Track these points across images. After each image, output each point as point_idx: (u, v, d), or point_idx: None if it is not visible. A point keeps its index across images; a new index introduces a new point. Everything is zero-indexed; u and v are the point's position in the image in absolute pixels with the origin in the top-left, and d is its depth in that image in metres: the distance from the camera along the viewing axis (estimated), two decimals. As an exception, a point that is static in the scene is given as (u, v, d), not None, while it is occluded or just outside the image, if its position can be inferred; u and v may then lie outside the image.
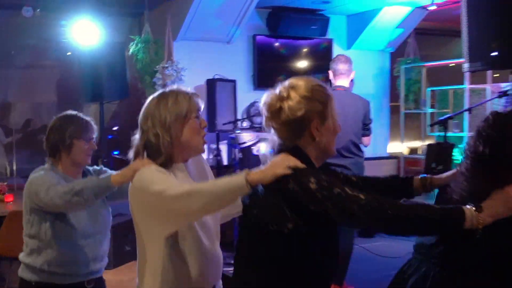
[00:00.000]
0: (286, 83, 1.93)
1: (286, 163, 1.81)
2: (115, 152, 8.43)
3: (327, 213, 1.76)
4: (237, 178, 1.81)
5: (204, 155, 7.17)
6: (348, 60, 4.61)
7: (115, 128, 8.83)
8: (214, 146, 6.64)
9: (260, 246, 1.90)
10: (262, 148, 5.21)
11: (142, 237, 2.11)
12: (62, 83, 8.80)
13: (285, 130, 1.91)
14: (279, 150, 1.93)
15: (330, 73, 4.64)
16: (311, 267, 1.89)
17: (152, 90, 6.30)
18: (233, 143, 5.86)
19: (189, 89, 2.21)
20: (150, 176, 2.01)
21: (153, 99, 2.16)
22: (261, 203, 1.89)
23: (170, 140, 2.07)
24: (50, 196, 2.47)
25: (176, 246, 2.05)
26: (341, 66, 4.54)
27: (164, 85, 6.15)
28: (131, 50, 6.31)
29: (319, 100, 1.89)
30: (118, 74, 6.28)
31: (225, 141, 6.68)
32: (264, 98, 1.96)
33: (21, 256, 2.75)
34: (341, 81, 4.57)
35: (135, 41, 6.29)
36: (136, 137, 2.17)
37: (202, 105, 2.22)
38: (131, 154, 2.18)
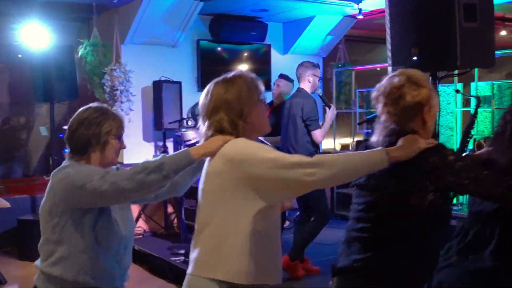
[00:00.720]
0: (399, 73, 2.07)
1: (421, 141, 1.91)
2: (66, 150, 8.23)
3: (459, 184, 1.89)
4: (376, 154, 1.86)
5: (151, 152, 7.09)
6: (300, 65, 4.94)
7: (65, 127, 8.62)
8: (161, 143, 6.57)
9: (394, 224, 1.95)
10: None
11: (224, 216, 1.91)
12: (13, 84, 8.50)
13: (402, 114, 2.01)
14: (392, 133, 2.01)
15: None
16: (436, 244, 2.03)
17: (100, 91, 6.19)
18: (179, 141, 5.81)
19: (252, 74, 2.07)
20: (253, 145, 1.91)
21: (219, 87, 2.00)
22: (394, 181, 1.94)
23: (245, 126, 1.96)
24: (111, 181, 1.96)
25: (263, 222, 1.92)
26: (297, 71, 4.92)
27: (112, 87, 6.04)
28: (80, 53, 6.17)
29: (429, 88, 2.04)
30: (67, 76, 6.13)
31: (171, 139, 6.62)
32: (380, 88, 2.09)
33: (44, 265, 2.18)
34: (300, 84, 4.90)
35: (84, 44, 6.16)
36: (200, 127, 2.02)
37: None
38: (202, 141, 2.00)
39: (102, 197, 2.01)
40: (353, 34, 8.50)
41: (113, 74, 6.01)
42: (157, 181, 1.95)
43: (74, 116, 2.24)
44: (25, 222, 6.13)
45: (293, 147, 4.73)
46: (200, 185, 2.01)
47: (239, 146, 1.91)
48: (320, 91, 5.00)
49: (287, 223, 6.87)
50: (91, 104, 2.27)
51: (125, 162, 6.44)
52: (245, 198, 1.89)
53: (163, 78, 6.29)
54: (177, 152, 2.00)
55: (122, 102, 6.04)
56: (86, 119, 2.19)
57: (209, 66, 7.01)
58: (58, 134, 8.27)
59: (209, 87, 2.04)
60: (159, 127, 6.25)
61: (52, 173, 2.20)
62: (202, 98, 2.05)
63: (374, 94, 2.12)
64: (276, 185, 1.86)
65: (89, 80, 6.26)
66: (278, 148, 5.37)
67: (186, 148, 2.00)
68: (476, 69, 5.94)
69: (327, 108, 4.96)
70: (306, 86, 4.84)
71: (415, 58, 3.00)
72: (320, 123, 4.80)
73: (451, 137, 6.52)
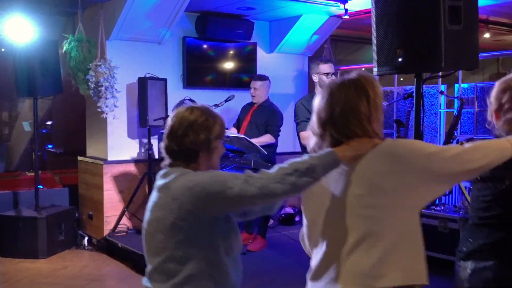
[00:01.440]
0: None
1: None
2: (49, 146, 8.16)
3: None
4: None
5: (136, 149, 7.07)
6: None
7: (49, 123, 8.55)
8: (145, 140, 6.54)
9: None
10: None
11: (396, 214, 1.82)
12: (-4, 78, 8.42)
13: None
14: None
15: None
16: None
17: (85, 87, 6.15)
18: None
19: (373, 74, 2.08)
20: (420, 142, 1.93)
21: (348, 90, 1.90)
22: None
23: (373, 130, 1.90)
24: (259, 185, 1.80)
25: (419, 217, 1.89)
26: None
27: (97, 83, 6.00)
28: (64, 48, 6.11)
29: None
30: (52, 71, 6.10)
31: (156, 136, 6.60)
32: (495, 93, 2.24)
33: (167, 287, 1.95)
34: None
35: (69, 40, 6.10)
36: (313, 131, 1.95)
37: None
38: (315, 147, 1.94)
39: (247, 202, 1.86)
40: (339, 33, 8.54)
41: (98, 70, 5.96)
42: (308, 184, 1.81)
43: (176, 118, 2.06)
44: (6, 218, 6.07)
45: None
46: (354, 191, 1.85)
47: (402, 144, 1.89)
48: None
49: (271, 221, 6.89)
50: (192, 105, 2.11)
51: (109, 159, 6.41)
52: (419, 195, 1.86)
53: (148, 75, 6.26)
54: (321, 153, 1.84)
55: (106, 99, 6.00)
56: (195, 122, 2.02)
57: (194, 63, 6.99)
58: (41, 129, 8.21)
59: (329, 89, 1.94)
60: (144, 124, 6.22)
61: (161, 185, 1.99)
62: (319, 101, 1.95)
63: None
64: (447, 178, 1.88)
65: (73, 76, 6.20)
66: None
67: (330, 150, 1.84)
68: (459, 71, 6.00)
69: None
70: (316, 86, 4.77)
71: (400, 59, 3.02)
72: None
73: (434, 138, 6.58)
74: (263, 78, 6.07)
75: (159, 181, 2.02)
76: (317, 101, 1.96)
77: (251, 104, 6.03)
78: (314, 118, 1.96)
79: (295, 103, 5.10)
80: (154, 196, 2.03)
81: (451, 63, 2.98)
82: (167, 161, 2.08)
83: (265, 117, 5.86)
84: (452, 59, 2.96)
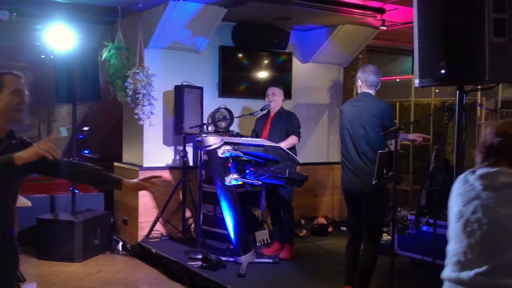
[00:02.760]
0: None
1: None
2: (86, 151, 8.31)
3: None
4: None
5: (171, 156, 7.15)
6: (368, 71, 4.54)
7: (85, 129, 8.70)
8: (181, 148, 6.62)
9: None
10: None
11: None
12: (36, 84, 8.61)
13: None
14: None
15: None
16: None
17: (122, 94, 6.26)
18: (199, 146, 5.85)
19: None
20: None
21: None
22: None
23: None
24: None
25: None
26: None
27: (134, 90, 6.11)
28: (104, 56, 6.24)
29: None
30: (90, 78, 6.22)
31: (191, 144, 6.67)
32: None
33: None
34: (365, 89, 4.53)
35: (108, 47, 6.22)
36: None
37: None
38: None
39: None
40: (375, 44, 8.50)
41: (135, 77, 6.06)
42: None
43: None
44: (44, 221, 6.21)
45: (367, 157, 4.28)
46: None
47: None
48: None
49: (303, 231, 6.91)
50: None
51: (145, 165, 6.50)
52: None
53: (185, 83, 6.34)
54: None
55: (143, 106, 6.09)
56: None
57: (230, 72, 7.05)
58: (78, 135, 8.36)
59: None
60: (180, 132, 6.29)
61: (504, 182, 2.13)
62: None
63: None
64: None
65: (111, 83, 6.32)
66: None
67: None
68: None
69: None
70: (374, 92, 4.49)
71: (443, 71, 3.00)
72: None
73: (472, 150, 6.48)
74: (278, 85, 6.07)
75: (494, 180, 2.13)
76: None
77: (267, 114, 6.01)
78: None
79: (329, 112, 5.05)
80: (489, 195, 2.12)
81: (495, 76, 2.95)
82: (485, 161, 2.21)
83: (285, 122, 5.84)
84: (496, 72, 2.93)
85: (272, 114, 5.94)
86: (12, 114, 2.61)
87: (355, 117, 4.35)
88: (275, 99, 5.88)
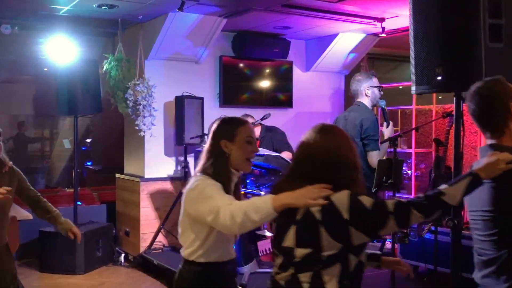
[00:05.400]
0: None
1: None
2: (88, 163, 8.32)
3: None
4: None
5: (172, 167, 7.12)
6: (352, 81, 4.69)
7: (88, 140, 8.72)
8: (182, 158, 6.60)
9: None
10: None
11: None
12: (38, 97, 8.65)
13: None
14: None
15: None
16: None
17: (123, 105, 6.26)
18: (200, 156, 5.80)
19: None
20: None
21: None
22: None
23: None
24: None
25: None
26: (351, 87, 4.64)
27: (135, 101, 6.11)
28: (104, 67, 6.25)
29: None
30: (92, 90, 6.22)
31: (192, 154, 6.64)
32: None
33: None
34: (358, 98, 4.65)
35: (109, 59, 6.23)
36: None
37: None
38: None
39: None
40: (376, 51, 8.49)
41: (136, 89, 6.06)
42: None
43: None
44: (46, 233, 6.18)
45: None
46: None
47: None
48: (383, 104, 4.60)
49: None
50: None
51: (146, 176, 6.48)
52: None
53: (185, 94, 6.33)
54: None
55: (144, 117, 6.09)
56: None
57: (231, 82, 7.04)
58: (81, 147, 8.37)
59: None
60: (181, 142, 6.28)
61: None
62: None
63: None
64: None
65: (112, 95, 6.32)
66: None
67: None
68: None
69: (384, 125, 4.53)
70: (365, 100, 4.56)
71: (439, 77, 2.97)
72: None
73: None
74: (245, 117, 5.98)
75: None
76: None
77: None
78: None
79: (331, 120, 5.03)
80: None
81: (492, 81, 2.91)
82: None
83: (273, 142, 5.81)
84: (493, 78, 2.90)
85: (258, 141, 5.92)
86: None
87: (343, 126, 4.32)
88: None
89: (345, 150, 2.10)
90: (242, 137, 2.41)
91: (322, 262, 1.97)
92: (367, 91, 4.56)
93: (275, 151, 5.65)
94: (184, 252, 2.45)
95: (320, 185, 2.00)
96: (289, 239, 2.03)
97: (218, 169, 2.38)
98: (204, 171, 2.41)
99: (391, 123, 4.49)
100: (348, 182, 2.03)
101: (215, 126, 2.48)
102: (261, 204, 2.06)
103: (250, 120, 5.78)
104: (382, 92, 4.64)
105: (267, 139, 5.86)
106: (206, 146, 2.48)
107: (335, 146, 2.09)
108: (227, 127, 2.44)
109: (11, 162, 3.35)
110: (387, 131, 4.40)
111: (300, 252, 2.00)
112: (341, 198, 1.96)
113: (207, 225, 2.31)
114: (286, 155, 5.60)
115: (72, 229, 3.54)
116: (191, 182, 2.40)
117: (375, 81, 4.61)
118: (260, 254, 6.17)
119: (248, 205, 2.10)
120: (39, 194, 3.64)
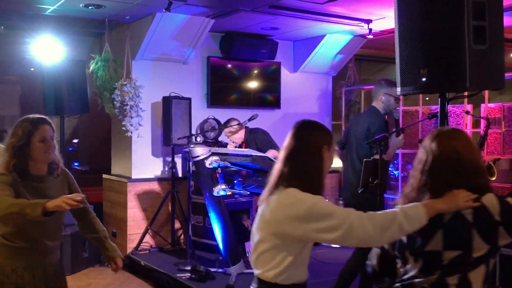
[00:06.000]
0: None
1: None
2: (75, 164, 8.27)
3: None
4: None
5: (160, 167, 7.11)
6: (376, 83, 4.75)
7: (75, 141, 8.67)
8: (169, 159, 6.59)
9: None
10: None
11: None
12: (25, 97, 8.58)
13: None
14: None
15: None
16: None
17: (110, 106, 6.23)
18: (187, 157, 5.81)
19: None
20: None
21: None
22: None
23: None
24: None
25: None
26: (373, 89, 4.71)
27: (122, 102, 6.09)
28: (91, 68, 6.22)
29: None
30: (78, 90, 6.20)
31: (180, 155, 6.64)
32: None
33: None
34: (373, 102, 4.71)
35: (96, 59, 6.21)
36: None
37: None
38: None
39: None
40: (363, 53, 8.52)
41: (123, 89, 6.05)
42: None
43: None
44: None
45: (354, 169, 4.44)
46: None
47: None
48: (396, 115, 4.66)
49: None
50: None
51: (133, 177, 6.46)
52: None
53: (173, 94, 6.32)
54: None
55: (131, 117, 6.07)
56: None
57: (219, 83, 7.04)
58: (68, 147, 8.32)
59: None
60: (168, 143, 6.27)
61: None
62: None
63: None
64: None
65: (99, 95, 6.30)
66: None
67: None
68: (486, 91, 5.93)
69: (394, 135, 4.52)
70: (379, 105, 4.61)
71: (424, 79, 3.00)
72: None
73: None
74: (228, 121, 5.98)
75: None
76: None
77: (240, 146, 5.99)
78: None
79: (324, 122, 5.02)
80: None
81: (476, 83, 2.95)
82: None
83: (256, 143, 5.83)
84: (477, 79, 2.93)
85: (243, 144, 5.95)
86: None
87: (354, 129, 4.57)
88: (235, 136, 5.89)
89: (477, 154, 2.19)
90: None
91: (470, 264, 2.01)
92: (383, 97, 4.60)
93: (260, 151, 5.66)
94: (265, 274, 2.23)
95: (461, 190, 2.05)
96: (435, 243, 2.04)
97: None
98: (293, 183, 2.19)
99: (401, 134, 4.53)
100: (486, 186, 2.11)
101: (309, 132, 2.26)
102: (413, 214, 2.04)
103: (233, 123, 5.82)
104: (397, 102, 4.70)
105: (250, 141, 5.89)
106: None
107: (467, 152, 2.12)
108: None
109: (62, 162, 2.92)
110: (394, 141, 4.44)
111: (448, 255, 2.02)
112: (491, 201, 2.03)
113: (302, 244, 2.18)
114: (272, 154, 5.60)
115: (117, 261, 3.05)
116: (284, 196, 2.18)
117: (394, 91, 4.63)
118: (247, 255, 6.17)
119: (394, 217, 2.05)
120: (88, 205, 3.10)
